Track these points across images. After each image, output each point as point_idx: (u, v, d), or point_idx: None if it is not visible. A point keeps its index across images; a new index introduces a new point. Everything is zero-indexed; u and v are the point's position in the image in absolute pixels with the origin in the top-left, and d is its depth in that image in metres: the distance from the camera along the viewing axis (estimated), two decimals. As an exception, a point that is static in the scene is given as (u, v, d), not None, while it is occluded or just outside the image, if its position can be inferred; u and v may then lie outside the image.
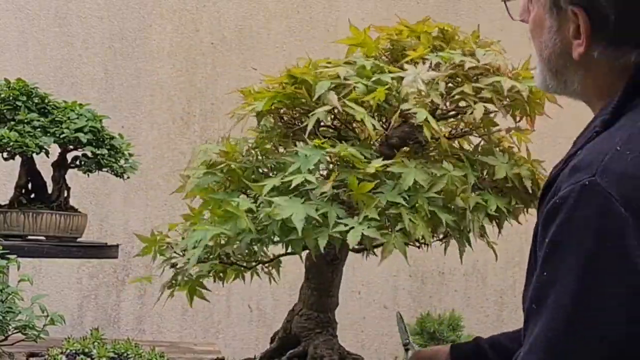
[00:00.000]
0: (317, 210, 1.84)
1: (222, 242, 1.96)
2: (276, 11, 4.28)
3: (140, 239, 2.17)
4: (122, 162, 2.87)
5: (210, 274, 2.15)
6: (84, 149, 2.85)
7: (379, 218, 1.84)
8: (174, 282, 2.15)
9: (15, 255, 2.37)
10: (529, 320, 1.25)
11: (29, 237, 2.83)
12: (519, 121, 2.08)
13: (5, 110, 2.80)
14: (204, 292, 2.19)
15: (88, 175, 2.90)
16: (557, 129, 3.91)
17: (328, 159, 1.92)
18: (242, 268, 2.18)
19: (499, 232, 2.02)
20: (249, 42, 4.26)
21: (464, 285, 4.38)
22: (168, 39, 4.20)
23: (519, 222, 2.03)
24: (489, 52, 2.04)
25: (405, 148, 2.03)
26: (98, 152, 2.82)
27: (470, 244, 1.95)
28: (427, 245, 1.94)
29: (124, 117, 4.14)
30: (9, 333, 2.34)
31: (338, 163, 1.93)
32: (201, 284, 2.16)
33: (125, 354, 2.22)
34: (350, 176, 1.86)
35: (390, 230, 1.86)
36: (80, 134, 2.78)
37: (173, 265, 2.15)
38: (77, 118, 2.81)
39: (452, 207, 1.90)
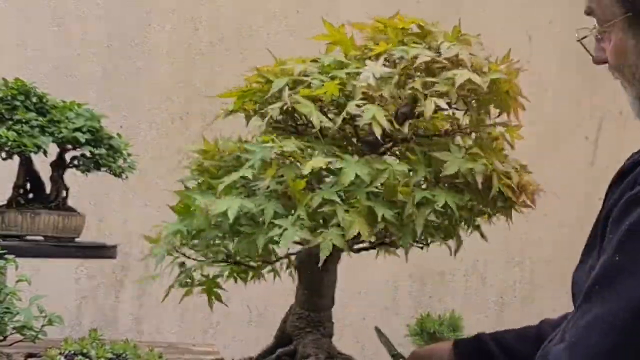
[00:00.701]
0: (257, 206, 1.82)
1: (183, 240, 1.95)
2: (276, 11, 4.27)
3: (148, 240, 2.16)
4: (120, 162, 2.87)
5: (225, 275, 2.14)
6: (83, 148, 2.84)
7: (306, 217, 1.80)
8: (187, 281, 2.14)
9: (13, 256, 2.37)
10: (589, 299, 1.24)
11: (27, 237, 2.82)
12: (498, 116, 2.03)
13: (3, 110, 2.79)
14: (220, 293, 2.18)
15: (86, 175, 2.90)
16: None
17: (273, 155, 1.89)
18: (251, 268, 2.18)
19: (469, 231, 1.97)
20: (248, 41, 4.26)
21: (464, 285, 4.38)
22: (167, 38, 4.20)
23: (490, 222, 1.99)
24: (454, 45, 2.00)
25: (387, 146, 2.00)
26: (96, 151, 2.81)
27: (415, 240, 1.89)
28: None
29: (123, 116, 4.13)
30: (7, 334, 2.34)
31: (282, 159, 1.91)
32: (217, 284, 2.15)
33: (123, 355, 2.21)
34: (289, 172, 1.84)
35: (324, 229, 1.82)
36: (78, 134, 2.77)
37: (182, 265, 2.15)
38: (76, 118, 2.80)
39: (398, 203, 1.85)
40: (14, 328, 2.33)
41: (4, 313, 2.29)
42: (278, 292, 4.11)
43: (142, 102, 4.19)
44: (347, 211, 1.80)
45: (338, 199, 1.81)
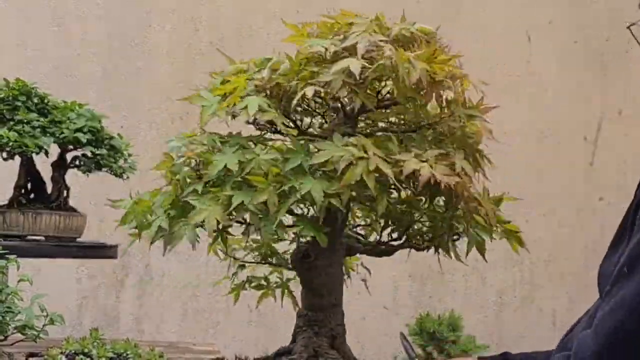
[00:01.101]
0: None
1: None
2: (276, 11, 4.27)
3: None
4: (121, 162, 2.87)
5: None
6: (84, 149, 2.85)
7: (172, 207, 1.89)
8: (261, 283, 2.23)
9: (14, 256, 2.37)
10: (618, 282, 1.25)
11: (29, 237, 2.83)
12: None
13: (4, 110, 2.80)
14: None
15: (87, 175, 2.90)
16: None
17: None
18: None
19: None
20: (248, 41, 4.26)
21: (463, 285, 4.38)
22: (167, 38, 4.20)
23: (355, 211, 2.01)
24: (359, 35, 1.97)
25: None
26: (97, 152, 2.82)
27: (284, 232, 1.92)
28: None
29: (123, 116, 4.13)
30: (9, 333, 2.34)
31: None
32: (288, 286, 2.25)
33: (124, 354, 2.22)
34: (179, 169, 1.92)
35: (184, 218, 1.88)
36: (79, 134, 2.78)
37: (242, 266, 2.21)
38: (77, 118, 2.81)
39: (263, 191, 1.86)
40: (15, 327, 2.34)
41: (5, 312, 2.29)
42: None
43: (142, 102, 4.19)
44: (212, 200, 1.84)
45: (200, 189, 1.86)
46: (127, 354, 2.22)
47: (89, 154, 2.85)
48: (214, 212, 1.83)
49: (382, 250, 2.17)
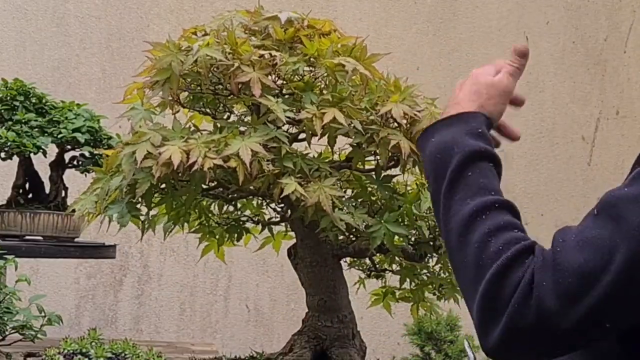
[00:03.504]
0: None
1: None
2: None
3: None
4: (119, 162, 2.88)
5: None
6: (82, 149, 2.85)
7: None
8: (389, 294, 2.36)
9: (12, 256, 2.38)
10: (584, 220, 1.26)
11: (27, 237, 2.83)
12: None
13: (2, 110, 2.80)
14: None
15: (85, 175, 2.91)
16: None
17: None
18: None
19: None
20: (246, 42, 4.26)
21: (461, 285, 4.38)
22: (166, 39, 4.20)
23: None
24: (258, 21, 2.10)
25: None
26: (96, 152, 2.82)
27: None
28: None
29: (121, 117, 4.13)
30: (7, 333, 2.35)
31: None
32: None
33: (122, 354, 2.22)
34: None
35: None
36: (77, 134, 2.78)
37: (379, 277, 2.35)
38: (75, 118, 2.81)
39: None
40: (13, 327, 2.34)
41: (3, 313, 2.30)
42: (276, 292, 4.12)
43: (141, 102, 4.19)
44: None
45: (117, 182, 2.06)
46: (126, 354, 2.22)
47: (87, 154, 2.85)
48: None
49: (372, 254, 2.19)
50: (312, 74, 2.03)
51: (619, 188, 1.24)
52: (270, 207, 2.21)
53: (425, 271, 2.24)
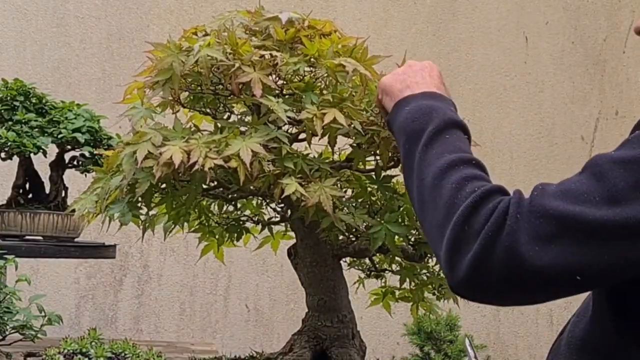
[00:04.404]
0: None
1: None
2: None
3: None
4: (119, 162, 2.88)
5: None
6: (82, 149, 2.85)
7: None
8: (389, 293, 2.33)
9: (13, 256, 2.38)
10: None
11: (27, 237, 2.83)
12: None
13: (2, 111, 2.80)
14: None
15: (85, 175, 2.91)
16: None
17: None
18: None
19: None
20: (246, 42, 4.27)
21: (461, 285, 4.39)
22: (166, 39, 4.20)
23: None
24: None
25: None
26: (96, 152, 2.82)
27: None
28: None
29: (122, 117, 4.14)
30: (7, 333, 2.35)
31: None
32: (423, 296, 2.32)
33: (122, 354, 2.22)
34: None
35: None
36: (77, 134, 2.78)
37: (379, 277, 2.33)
38: (75, 118, 2.82)
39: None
40: (13, 327, 2.34)
41: (3, 312, 2.30)
42: (275, 291, 4.12)
43: (140, 102, 4.19)
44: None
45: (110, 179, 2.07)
46: (125, 354, 2.23)
47: (87, 154, 2.86)
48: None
49: (373, 254, 2.20)
50: (312, 75, 2.03)
51: (608, 152, 1.26)
52: (270, 207, 2.21)
53: (425, 271, 2.24)
